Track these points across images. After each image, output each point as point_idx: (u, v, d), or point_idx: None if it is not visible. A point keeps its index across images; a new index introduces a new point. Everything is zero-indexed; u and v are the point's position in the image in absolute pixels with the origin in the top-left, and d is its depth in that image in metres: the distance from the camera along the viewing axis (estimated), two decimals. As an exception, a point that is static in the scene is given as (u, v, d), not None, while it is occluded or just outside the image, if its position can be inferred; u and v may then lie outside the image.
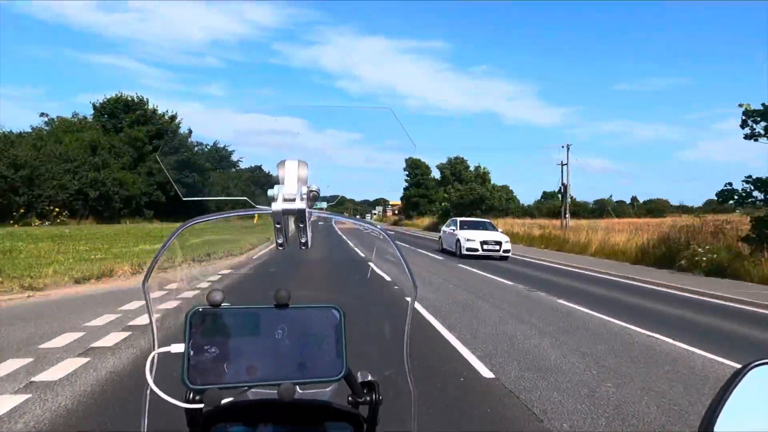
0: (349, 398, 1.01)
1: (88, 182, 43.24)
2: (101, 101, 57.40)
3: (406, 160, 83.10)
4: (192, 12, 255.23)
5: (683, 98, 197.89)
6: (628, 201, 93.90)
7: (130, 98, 57.85)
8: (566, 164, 38.91)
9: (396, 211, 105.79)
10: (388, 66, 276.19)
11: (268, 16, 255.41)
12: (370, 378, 1.06)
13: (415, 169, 78.38)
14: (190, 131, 61.40)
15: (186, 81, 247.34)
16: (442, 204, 54.04)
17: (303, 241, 0.92)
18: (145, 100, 58.81)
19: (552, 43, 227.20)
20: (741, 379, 0.72)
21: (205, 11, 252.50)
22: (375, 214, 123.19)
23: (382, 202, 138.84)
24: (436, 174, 78.51)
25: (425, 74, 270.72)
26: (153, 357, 0.85)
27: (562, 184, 39.63)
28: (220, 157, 77.91)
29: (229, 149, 76.47)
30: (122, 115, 56.29)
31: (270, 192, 0.88)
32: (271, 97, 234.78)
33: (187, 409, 0.88)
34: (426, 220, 65.36)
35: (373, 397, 1.02)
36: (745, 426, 0.70)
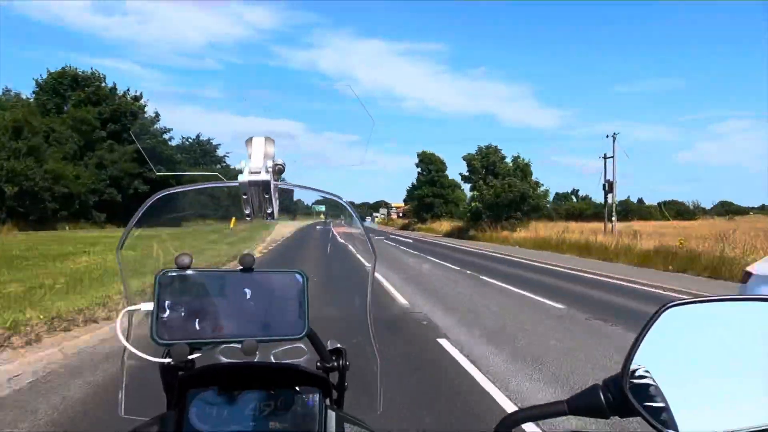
0: (318, 364, 1.08)
1: (3, 174, 32.19)
2: (45, 77, 46.20)
3: (419, 155, 70.27)
4: (190, 14, 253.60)
5: (680, 100, 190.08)
6: (635, 201, 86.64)
7: (81, 73, 46.67)
8: (612, 157, 32.40)
9: (401, 214, 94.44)
10: (385, 68, 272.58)
11: (266, 19, 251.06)
12: (338, 345, 1.13)
13: (428, 164, 67.10)
14: (157, 115, 50.43)
15: (184, 83, 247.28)
16: (473, 204, 42.67)
17: (269, 212, 0.98)
18: (102, 76, 47.64)
19: (550, 45, 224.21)
20: (656, 319, 0.81)
21: (203, 13, 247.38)
22: (379, 216, 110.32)
23: (383, 204, 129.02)
24: (453, 170, 67.21)
25: (423, 76, 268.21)
26: (123, 314, 0.89)
27: (606, 180, 33.07)
28: (203, 151, 66.72)
29: (214, 143, 65.21)
30: (69, 92, 45.10)
31: (238, 166, 0.94)
32: (268, 100, 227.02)
33: (162, 376, 0.98)
34: (446, 224, 54.08)
35: (341, 362, 1.10)
36: (658, 361, 0.80)
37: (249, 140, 0.96)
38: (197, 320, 0.85)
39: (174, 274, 0.87)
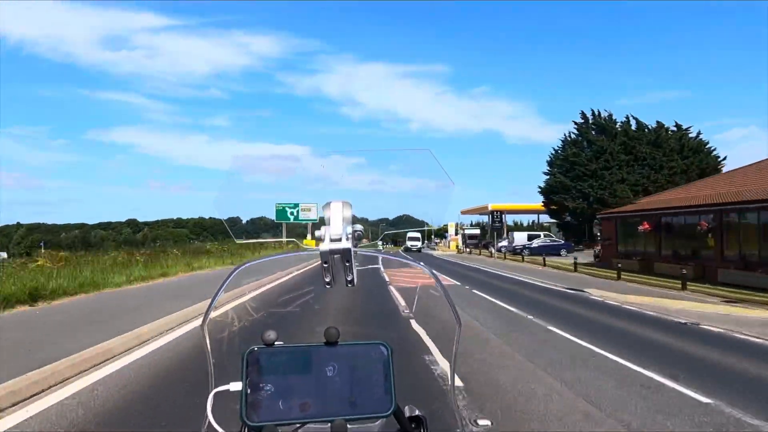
0: None
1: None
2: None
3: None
4: (196, 46, 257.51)
5: (684, 110, 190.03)
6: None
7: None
8: None
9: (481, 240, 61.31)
10: (389, 91, 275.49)
11: (270, 47, 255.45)
12: (417, 413, 1.07)
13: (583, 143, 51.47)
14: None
15: (191, 113, 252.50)
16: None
17: (349, 279, 0.96)
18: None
19: (551, 61, 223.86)
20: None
21: (208, 45, 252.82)
22: (440, 242, 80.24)
23: (422, 225, 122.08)
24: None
25: (426, 97, 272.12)
26: (212, 396, 0.89)
27: None
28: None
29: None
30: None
31: (317, 233, 0.95)
32: (276, 126, 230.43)
33: None
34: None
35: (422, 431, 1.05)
36: None
37: (327, 205, 0.96)
38: (285, 399, 0.86)
39: (260, 350, 0.88)
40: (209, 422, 0.86)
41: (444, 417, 1.07)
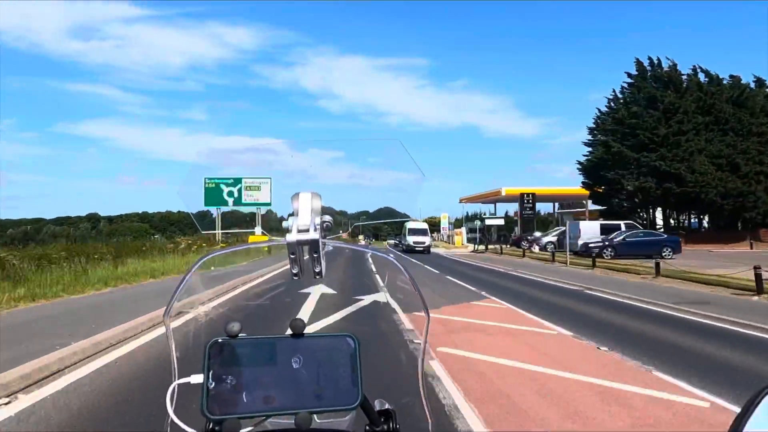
0: (366, 427, 1.00)
1: None
2: None
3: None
4: (170, 37, 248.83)
5: None
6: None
7: None
8: None
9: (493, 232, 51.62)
10: (367, 84, 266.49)
11: (247, 39, 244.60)
12: (387, 406, 1.04)
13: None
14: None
15: (166, 106, 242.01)
16: None
17: (317, 270, 0.95)
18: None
19: (529, 56, 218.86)
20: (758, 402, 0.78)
21: (182, 36, 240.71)
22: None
23: (405, 218, 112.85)
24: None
25: (405, 91, 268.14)
26: (173, 388, 0.86)
27: None
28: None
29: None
30: None
31: (284, 224, 0.93)
32: (253, 119, 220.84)
33: None
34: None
35: (390, 425, 1.02)
36: None
37: (295, 196, 0.94)
38: (248, 392, 0.83)
39: (223, 342, 0.85)
40: (170, 416, 0.83)
41: (414, 411, 0.98)
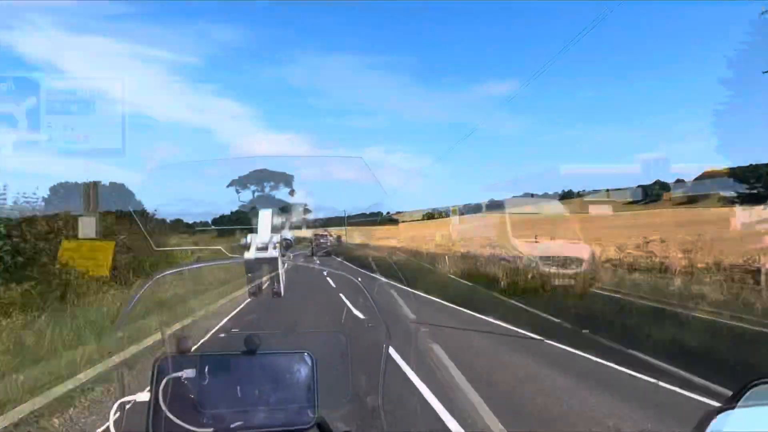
0: None
1: None
2: None
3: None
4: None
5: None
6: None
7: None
8: None
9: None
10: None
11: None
12: (348, 430, 1.06)
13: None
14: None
15: None
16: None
17: (275, 290, 0.92)
18: None
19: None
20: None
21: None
22: None
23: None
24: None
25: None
26: (116, 406, 0.82)
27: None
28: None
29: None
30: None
31: (243, 241, 0.90)
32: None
33: None
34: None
35: None
36: None
37: (254, 212, 0.91)
38: (198, 412, 0.78)
39: (173, 358, 0.80)
40: None
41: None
